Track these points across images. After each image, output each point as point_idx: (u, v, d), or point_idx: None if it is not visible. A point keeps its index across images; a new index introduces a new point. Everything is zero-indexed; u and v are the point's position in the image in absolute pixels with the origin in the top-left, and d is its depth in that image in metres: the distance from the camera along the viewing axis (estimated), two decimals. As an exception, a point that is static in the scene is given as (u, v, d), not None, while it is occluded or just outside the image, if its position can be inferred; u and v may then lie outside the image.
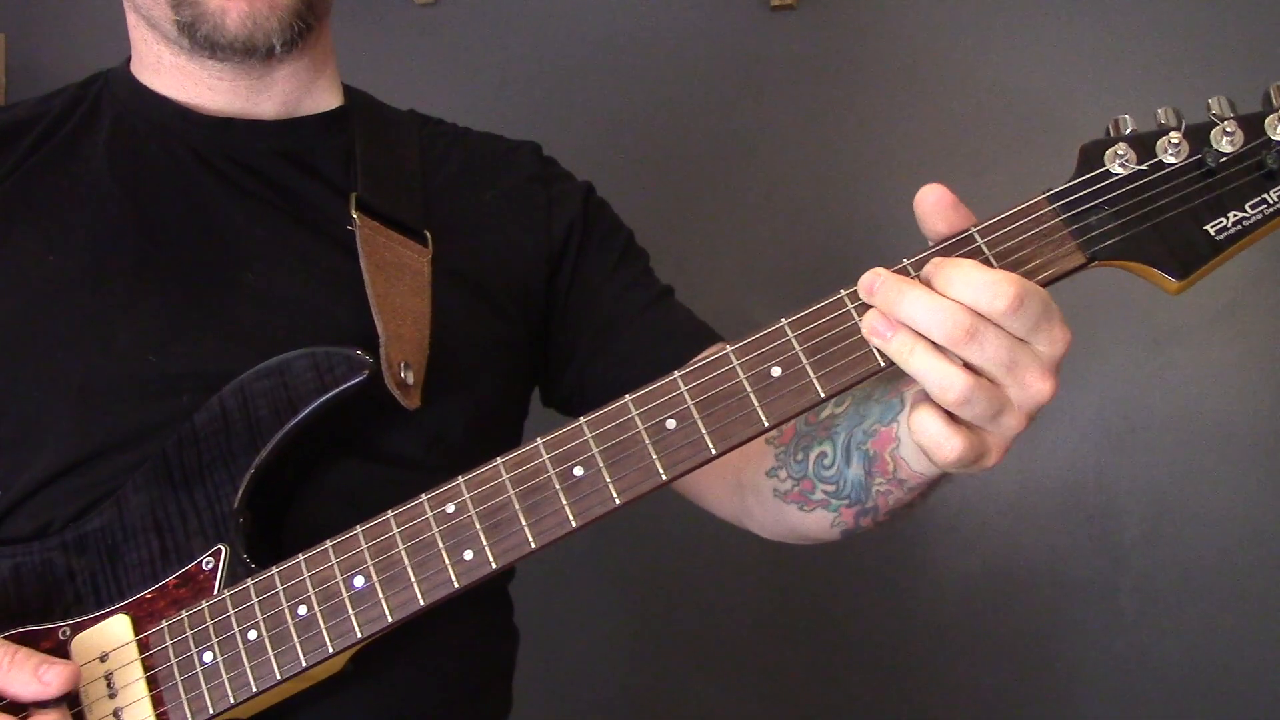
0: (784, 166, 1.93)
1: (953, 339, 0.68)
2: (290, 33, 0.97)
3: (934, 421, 0.71)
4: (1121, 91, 1.80)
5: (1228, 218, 0.71)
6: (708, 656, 1.96)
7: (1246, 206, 0.71)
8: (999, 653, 1.88)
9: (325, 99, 1.08)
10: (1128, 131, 0.74)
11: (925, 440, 0.72)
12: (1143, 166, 0.73)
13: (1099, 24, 1.83)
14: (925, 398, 0.72)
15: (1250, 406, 1.79)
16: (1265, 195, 0.72)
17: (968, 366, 0.70)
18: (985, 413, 0.70)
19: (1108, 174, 0.73)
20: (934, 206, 0.73)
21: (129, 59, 1.07)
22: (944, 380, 0.69)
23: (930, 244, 0.74)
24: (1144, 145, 0.73)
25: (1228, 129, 0.72)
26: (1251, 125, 0.73)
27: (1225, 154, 0.72)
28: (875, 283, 0.71)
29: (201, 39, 0.96)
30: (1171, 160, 0.73)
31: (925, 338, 0.70)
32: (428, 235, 1.01)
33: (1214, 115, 0.74)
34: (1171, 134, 0.73)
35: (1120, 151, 0.73)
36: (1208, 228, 0.72)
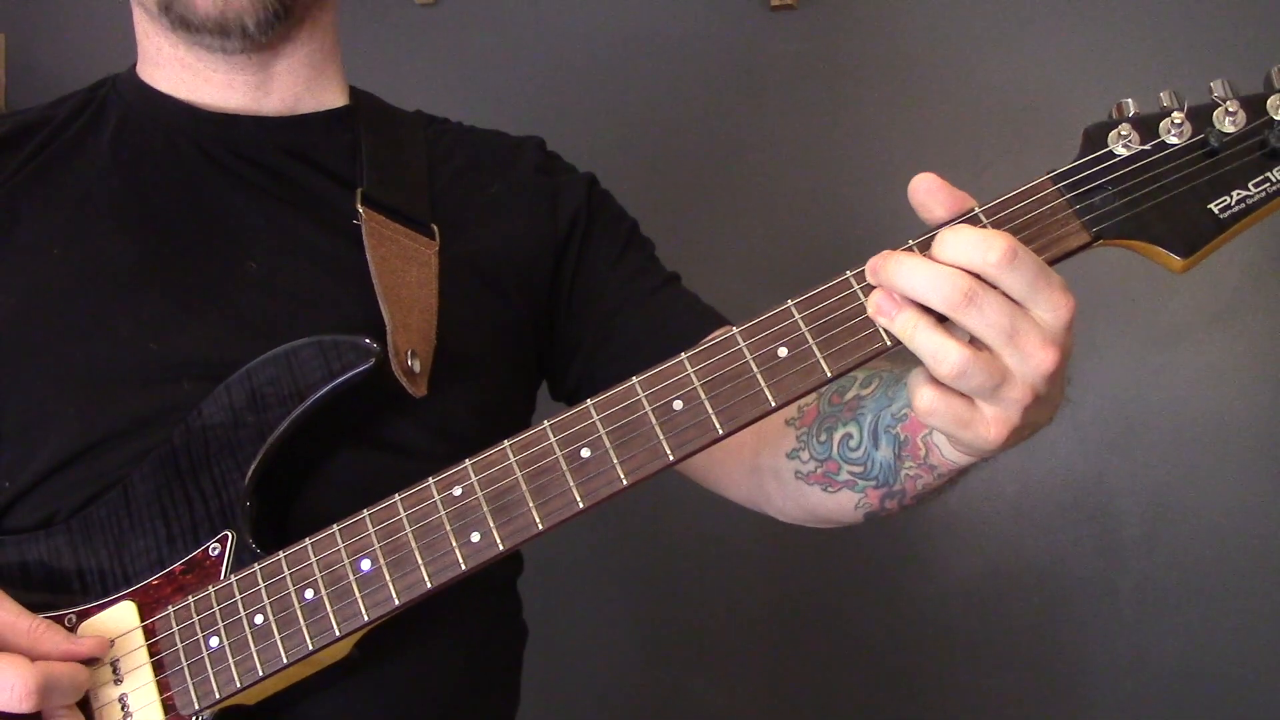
0: (783, 166, 1.93)
1: (951, 303, 0.68)
2: (264, 14, 0.97)
3: (924, 387, 0.72)
4: (1121, 92, 1.79)
5: (1231, 196, 0.72)
6: (711, 655, 1.96)
7: (1250, 185, 0.72)
8: (999, 653, 1.87)
9: (330, 97, 1.08)
10: (1131, 114, 0.75)
11: (915, 404, 0.73)
12: (1146, 147, 0.73)
13: (1098, 24, 1.83)
14: None
15: (1250, 406, 1.79)
16: (1268, 174, 0.72)
17: (973, 341, 0.70)
18: (983, 385, 0.70)
19: (1111, 155, 0.73)
20: (927, 194, 0.74)
21: (135, 63, 1.08)
22: (938, 353, 0.69)
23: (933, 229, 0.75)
24: (1147, 126, 0.74)
25: (1230, 109, 0.72)
26: (1253, 106, 0.73)
27: (1228, 134, 0.72)
28: (878, 262, 0.72)
29: (176, 18, 0.97)
30: (1174, 141, 0.73)
31: (928, 314, 0.70)
32: (434, 228, 1.02)
33: (1216, 97, 0.74)
34: (1174, 115, 0.73)
35: (1124, 132, 0.73)
36: (1212, 206, 0.72)
